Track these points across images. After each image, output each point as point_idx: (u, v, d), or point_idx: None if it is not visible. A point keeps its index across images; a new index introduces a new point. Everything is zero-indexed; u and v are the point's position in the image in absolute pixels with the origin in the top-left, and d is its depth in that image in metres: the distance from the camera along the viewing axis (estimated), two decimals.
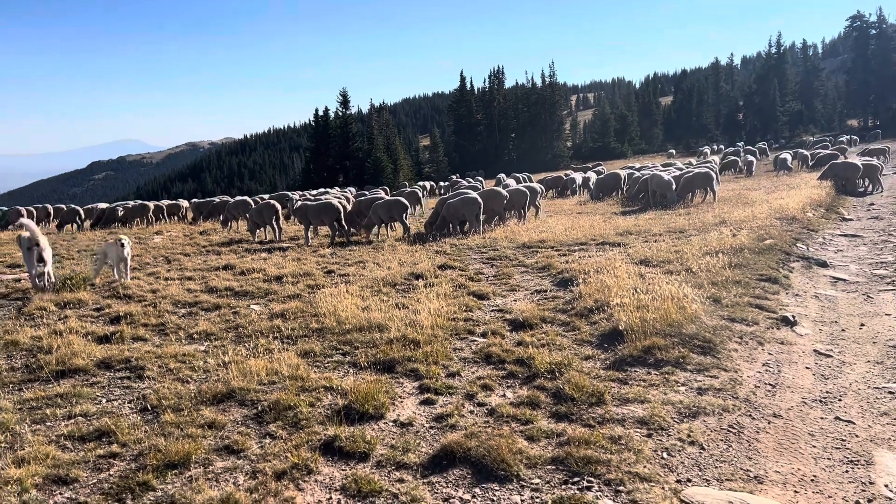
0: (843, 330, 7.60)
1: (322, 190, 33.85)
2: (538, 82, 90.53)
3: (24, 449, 4.74)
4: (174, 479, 4.31)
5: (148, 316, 8.80)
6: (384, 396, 5.45)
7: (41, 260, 10.41)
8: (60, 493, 4.22)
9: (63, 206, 27.90)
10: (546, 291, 9.72)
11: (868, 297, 9.09)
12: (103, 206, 28.32)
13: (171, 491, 4.16)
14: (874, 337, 7.29)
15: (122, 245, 11.13)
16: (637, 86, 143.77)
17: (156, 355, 6.96)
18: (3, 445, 4.86)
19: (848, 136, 55.87)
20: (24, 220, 11.52)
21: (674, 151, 67.34)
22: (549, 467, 4.35)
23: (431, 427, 5.06)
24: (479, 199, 16.53)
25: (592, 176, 30.52)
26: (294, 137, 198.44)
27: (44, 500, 4.12)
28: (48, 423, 5.30)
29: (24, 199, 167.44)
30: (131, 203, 27.21)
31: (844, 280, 10.12)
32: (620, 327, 6.99)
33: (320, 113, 72.42)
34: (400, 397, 5.65)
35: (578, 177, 31.40)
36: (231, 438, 4.87)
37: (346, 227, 16.81)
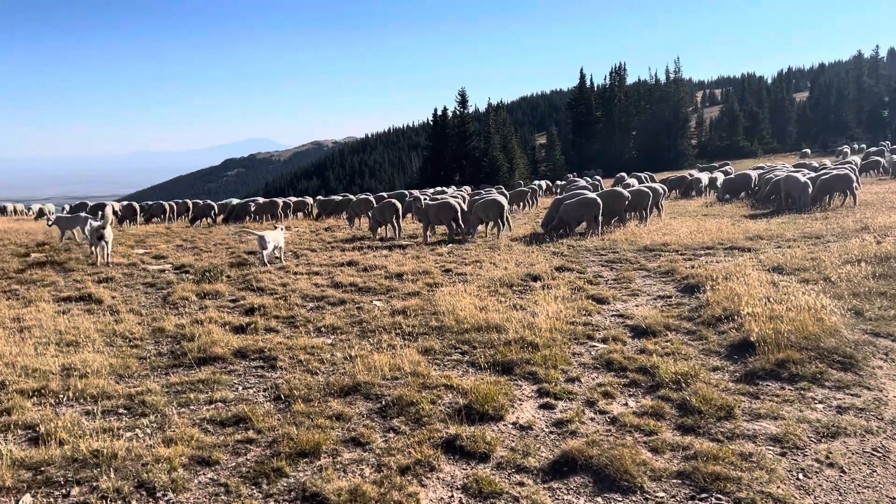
0: None
1: (439, 189, 34.39)
2: (661, 78, 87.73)
3: (171, 430, 5.15)
4: (305, 468, 4.55)
5: (279, 308, 9.31)
6: (503, 398, 5.49)
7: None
8: (203, 474, 4.55)
9: (199, 201, 29.94)
10: (670, 297, 9.43)
11: None
12: (235, 201, 30.15)
13: (303, 479, 4.39)
14: None
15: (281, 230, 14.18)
16: (769, 81, 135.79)
17: (287, 346, 7.35)
18: (154, 425, 5.31)
19: None
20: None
21: (808, 151, 63.04)
22: (674, 481, 4.23)
23: (551, 432, 5.05)
24: (599, 200, 16.23)
25: (719, 176, 29.16)
26: (412, 136, 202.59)
27: (189, 478, 4.46)
28: (192, 407, 5.73)
29: (167, 194, 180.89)
30: (262, 200, 28.77)
31: None
32: (752, 338, 6.67)
33: (438, 113, 73.58)
34: (519, 400, 5.67)
35: (704, 177, 30.10)
36: (357, 431, 5.07)
37: (462, 227, 17.01)
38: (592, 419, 5.25)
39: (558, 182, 43.70)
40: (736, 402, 5.32)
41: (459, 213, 16.92)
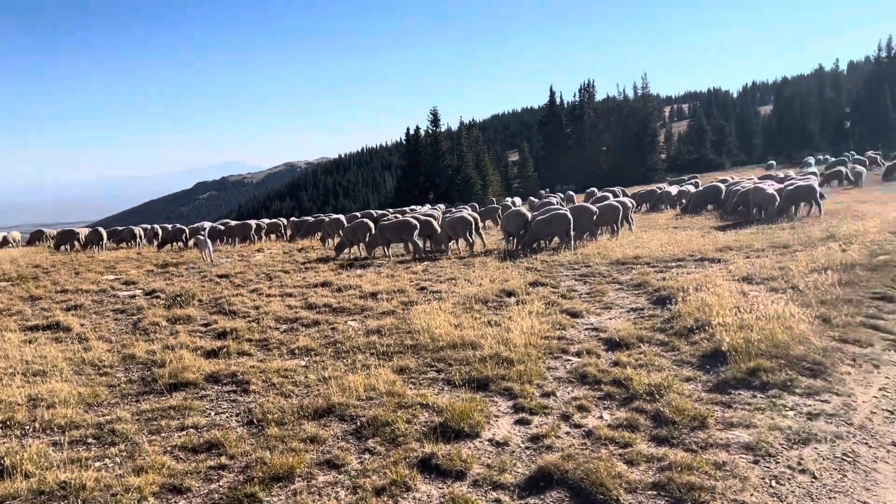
0: None
1: (411, 207, 34.41)
2: (630, 95, 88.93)
3: (142, 458, 5.05)
4: (279, 492, 4.49)
5: (252, 331, 9.21)
6: (479, 415, 5.48)
7: None
8: (175, 502, 4.47)
9: (169, 225, 29.59)
10: (642, 310, 9.51)
11: None
12: (208, 225, 29.87)
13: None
14: None
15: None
16: (734, 95, 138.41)
17: (260, 370, 7.27)
18: (123, 454, 5.20)
19: None
20: None
21: (774, 163, 64.19)
22: (650, 493, 4.24)
23: (527, 447, 5.04)
24: (569, 215, 16.37)
25: (688, 189, 29.60)
26: (386, 156, 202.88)
27: None
28: (163, 434, 5.63)
29: (138, 219, 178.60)
30: (234, 222, 28.53)
31: None
32: (723, 348, 6.75)
33: (411, 132, 73.82)
34: (495, 416, 5.66)
35: (673, 189, 30.54)
36: (332, 453, 5.02)
37: (422, 245, 17.27)
38: (568, 433, 5.25)
39: (532, 198, 43.94)
40: (709, 412, 5.37)
41: (419, 231, 17.06)
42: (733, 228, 18.86)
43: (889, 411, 5.47)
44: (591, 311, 9.69)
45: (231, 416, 6.06)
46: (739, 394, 5.84)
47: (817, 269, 10.46)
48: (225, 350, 8.22)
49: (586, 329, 8.66)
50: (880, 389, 5.95)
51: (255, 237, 25.99)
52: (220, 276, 15.29)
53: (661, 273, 12.09)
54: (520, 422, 5.54)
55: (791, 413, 5.38)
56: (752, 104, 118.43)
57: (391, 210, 32.44)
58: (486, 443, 5.14)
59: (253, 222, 27.38)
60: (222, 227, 26.80)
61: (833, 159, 49.47)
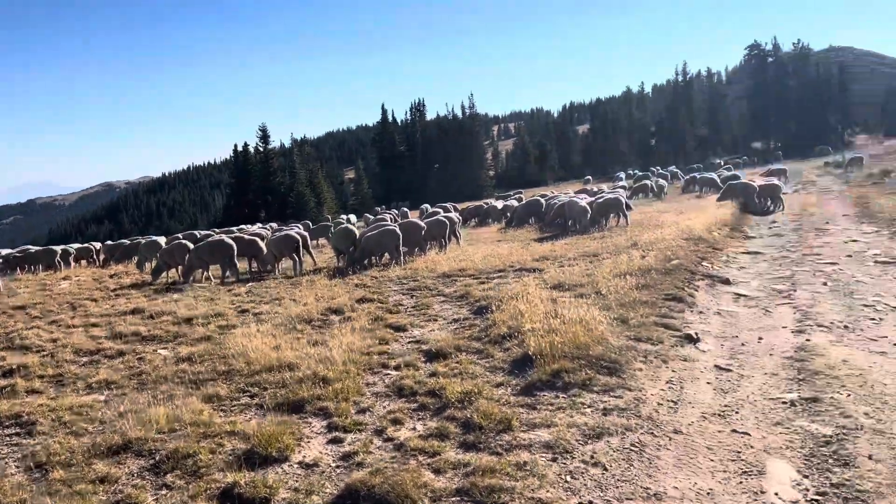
0: (742, 344, 7.92)
1: (239, 227, 33.19)
2: (459, 114, 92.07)
3: None
4: None
5: (45, 367, 8.36)
6: (289, 438, 5.32)
7: None
8: None
9: None
10: (464, 320, 9.77)
11: (767, 311, 9.53)
12: (3, 251, 26.88)
13: None
14: (771, 350, 7.63)
15: None
16: (555, 115, 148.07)
17: (49, 408, 6.60)
18: None
19: (744, 158, 58.95)
20: None
21: (591, 178, 69.28)
22: (454, 499, 4.32)
23: (338, 466, 4.96)
24: (398, 231, 16.54)
25: (512, 203, 31.06)
26: (215, 174, 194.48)
27: None
28: None
29: None
30: (35, 248, 25.91)
31: (746, 296, 10.58)
32: (530, 352, 7.08)
33: (239, 149, 71.40)
34: (307, 437, 5.53)
35: (499, 204, 31.92)
36: (125, 492, 4.65)
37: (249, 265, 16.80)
38: (380, 447, 5.24)
39: (367, 215, 44.00)
40: (514, 415, 5.59)
41: (235, 252, 16.50)
42: (551, 240, 19.99)
43: (673, 402, 6.00)
44: (416, 324, 9.80)
45: (10, 461, 5.43)
46: (544, 395, 6.14)
47: (619, 274, 11.32)
48: (10, 389, 7.37)
49: (409, 342, 8.74)
50: (667, 382, 6.52)
51: (62, 264, 23.74)
52: (15, 308, 13.77)
53: (483, 284, 12.51)
54: (333, 441, 5.45)
55: (588, 410, 5.74)
56: (571, 123, 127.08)
57: (217, 230, 31.05)
58: (296, 466, 5.00)
59: (59, 248, 25.01)
60: (20, 255, 24.24)
61: (640, 174, 54.21)
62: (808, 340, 7.81)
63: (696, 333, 8.06)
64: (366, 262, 16.76)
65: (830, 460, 4.75)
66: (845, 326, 8.42)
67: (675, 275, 11.28)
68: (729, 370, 6.95)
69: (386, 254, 17.06)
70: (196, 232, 29.15)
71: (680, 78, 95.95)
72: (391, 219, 27.43)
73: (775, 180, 29.22)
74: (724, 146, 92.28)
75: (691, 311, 9.41)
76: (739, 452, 4.96)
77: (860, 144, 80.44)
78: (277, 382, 6.95)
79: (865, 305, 9.38)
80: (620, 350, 7.11)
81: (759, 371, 6.89)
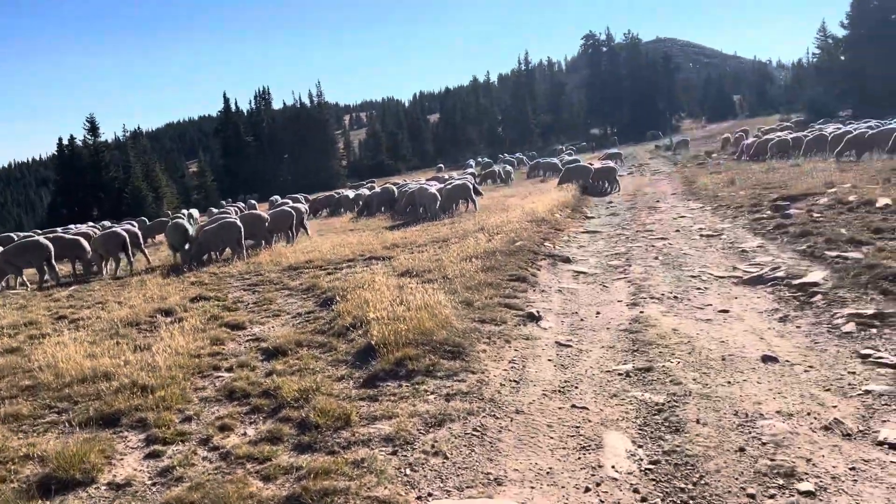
0: (582, 320, 8.11)
1: (65, 228, 30.38)
2: (307, 102, 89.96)
3: None
4: None
5: None
6: (97, 457, 4.70)
7: None
8: None
9: None
10: (308, 313, 9.33)
11: (604, 286, 9.88)
12: None
13: None
14: (608, 323, 7.86)
15: None
16: (406, 104, 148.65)
17: None
18: None
19: (584, 144, 62.28)
20: None
21: (442, 166, 70.25)
22: None
23: (154, 484, 4.44)
24: (239, 224, 15.68)
25: (364, 192, 30.67)
26: (41, 171, 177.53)
27: None
28: None
29: None
30: None
31: (585, 273, 10.94)
32: (374, 342, 6.80)
33: (65, 142, 65.47)
34: (120, 454, 4.92)
35: (351, 193, 31.40)
36: None
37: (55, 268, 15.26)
38: (205, 458, 4.76)
39: (213, 210, 41.80)
40: (354, 409, 5.30)
41: (52, 253, 14.98)
42: (403, 227, 19.86)
43: (515, 381, 5.96)
44: (256, 321, 9.24)
45: None
46: (387, 385, 5.90)
47: (466, 258, 11.33)
48: None
49: (248, 340, 8.20)
50: (510, 362, 6.49)
51: None
52: None
53: (330, 275, 12.10)
54: (151, 455, 4.89)
55: (431, 397, 5.56)
56: (422, 112, 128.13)
57: (39, 231, 28.16)
58: (104, 488, 4.42)
59: None
60: None
61: (489, 160, 55.67)
62: (641, 312, 8.13)
63: (538, 312, 8.15)
64: (205, 258, 15.75)
65: (662, 428, 4.87)
66: (675, 297, 8.87)
67: (519, 256, 11.45)
68: (569, 346, 7.06)
69: (228, 249, 16.14)
70: (14, 234, 26.25)
71: (523, 67, 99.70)
72: (235, 212, 26.16)
73: (611, 163, 30.97)
74: (566, 132, 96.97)
75: (534, 291, 9.55)
76: (578, 427, 4.97)
77: (686, 129, 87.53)
78: (91, 395, 6.19)
79: (692, 276, 9.97)
80: (465, 333, 7.01)
81: (598, 345, 7.05)
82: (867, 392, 5.28)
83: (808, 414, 4.96)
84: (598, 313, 8.35)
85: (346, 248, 15.30)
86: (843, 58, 54.08)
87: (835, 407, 5.07)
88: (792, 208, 14.31)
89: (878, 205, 12.89)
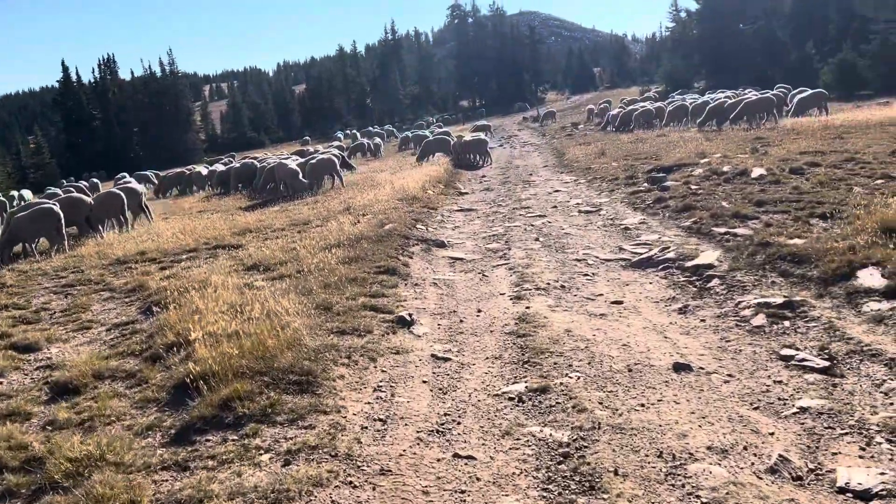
0: (461, 321, 6.88)
1: None
2: (158, 72, 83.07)
3: None
4: None
5: None
6: None
7: None
8: None
9: None
10: (127, 325, 7.52)
11: (484, 275, 8.72)
12: None
13: None
14: (491, 324, 6.68)
15: None
16: (270, 74, 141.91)
17: None
18: None
19: (454, 115, 61.62)
20: None
21: (309, 138, 67.28)
22: None
23: None
24: (57, 210, 13.19)
25: (218, 168, 28.01)
26: None
27: None
28: None
29: None
30: None
31: (462, 259, 9.75)
32: (196, 371, 5.20)
33: None
34: None
35: (204, 170, 28.60)
36: None
37: None
38: None
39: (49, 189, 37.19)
40: (149, 491, 3.74)
41: None
42: (261, 207, 17.92)
43: (381, 420, 4.61)
44: (58, 337, 7.32)
45: None
46: (206, 440, 4.36)
47: (327, 246, 9.84)
48: None
49: (39, 368, 6.35)
50: (375, 390, 5.12)
51: None
52: None
53: (165, 270, 10.21)
54: None
55: (266, 458, 4.08)
56: (287, 83, 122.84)
57: None
58: None
59: None
60: None
61: (358, 132, 53.67)
62: (527, 308, 7.01)
63: (411, 315, 6.82)
64: (11, 252, 13.16)
65: (573, 485, 3.70)
66: (562, 286, 7.85)
67: (388, 242, 10.08)
68: (447, 359, 5.79)
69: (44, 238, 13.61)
70: None
71: (389, 37, 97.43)
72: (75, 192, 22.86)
73: (482, 135, 30.11)
74: (436, 104, 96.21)
75: (406, 285, 8.22)
76: (465, 493, 3.70)
77: (551, 100, 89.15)
78: None
79: (578, 260, 9.02)
80: (318, 352, 5.55)
81: (482, 356, 5.84)
82: (803, 410, 4.37)
83: (745, 448, 3.97)
84: (479, 311, 7.15)
85: (189, 234, 13.25)
86: (695, 32, 56.22)
87: (772, 434, 4.11)
88: (668, 180, 13.84)
89: (753, 175, 12.59)
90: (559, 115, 54.38)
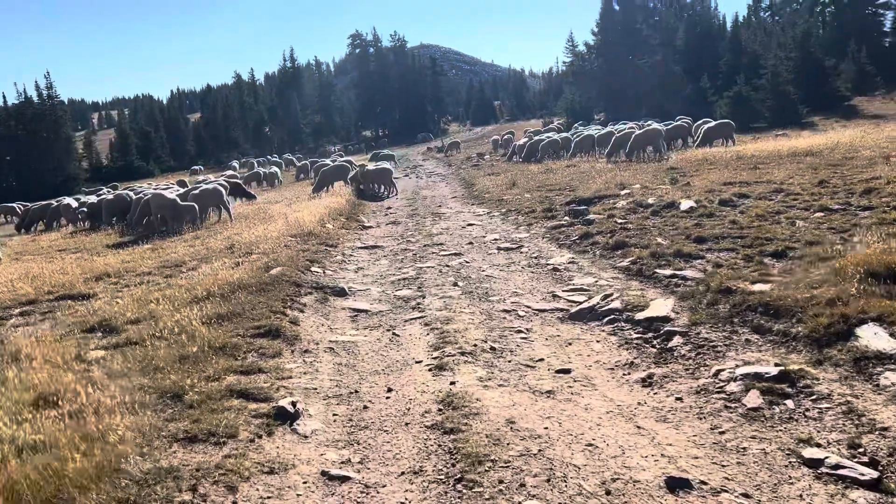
0: (365, 407, 5.13)
1: None
2: (34, 96, 76.64)
3: None
4: None
5: None
6: None
7: None
8: None
9: None
10: None
11: (394, 334, 7.02)
12: None
13: None
14: (406, 411, 4.98)
15: None
16: (164, 102, 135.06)
17: None
18: None
19: (357, 145, 59.99)
20: None
21: (200, 167, 63.63)
22: None
23: None
24: None
25: (91, 199, 24.96)
26: None
27: None
28: None
29: None
30: None
31: (366, 311, 8.01)
32: None
33: None
34: None
35: (73, 202, 25.39)
36: None
37: None
38: None
39: None
40: None
41: None
42: (132, 245, 15.42)
43: None
44: None
45: None
46: None
47: (196, 299, 7.86)
48: None
49: None
50: None
51: None
52: None
53: None
54: None
55: None
56: (181, 111, 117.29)
57: None
58: None
59: None
60: None
61: (254, 161, 50.96)
62: (452, 385, 5.36)
63: (295, 403, 4.99)
64: None
65: None
66: (492, 348, 6.28)
67: (273, 291, 8.19)
68: (346, 478, 4.03)
69: None
70: None
71: (288, 64, 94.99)
72: None
73: (387, 164, 28.57)
74: (338, 133, 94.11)
75: (292, 352, 6.38)
76: None
77: (454, 131, 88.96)
78: None
79: (506, 311, 7.48)
80: (147, 484, 3.66)
81: (395, 470, 4.12)
82: None
83: None
84: (389, 390, 5.44)
85: (32, 281, 10.79)
86: (595, 65, 57.24)
87: None
88: (591, 213, 12.66)
89: (682, 208, 11.59)
90: (463, 145, 53.78)
